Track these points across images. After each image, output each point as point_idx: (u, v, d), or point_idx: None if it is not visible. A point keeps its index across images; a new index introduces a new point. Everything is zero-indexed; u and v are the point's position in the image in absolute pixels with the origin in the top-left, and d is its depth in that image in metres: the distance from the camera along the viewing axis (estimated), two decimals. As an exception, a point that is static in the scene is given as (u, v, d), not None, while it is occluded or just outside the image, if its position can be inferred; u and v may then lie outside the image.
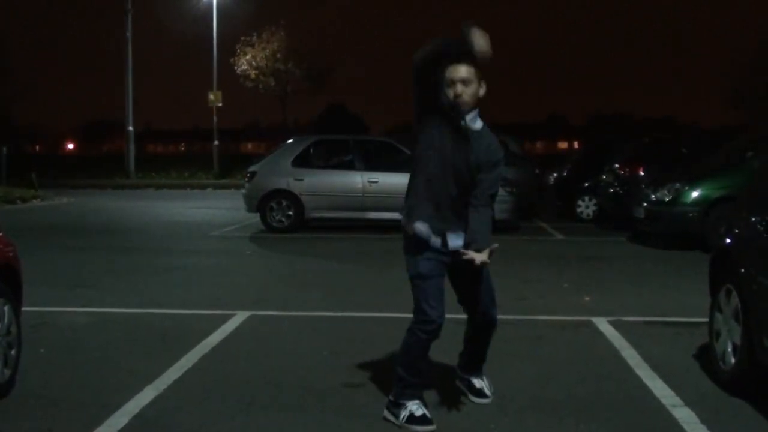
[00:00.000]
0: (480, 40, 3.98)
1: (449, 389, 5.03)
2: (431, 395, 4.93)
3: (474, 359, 4.86)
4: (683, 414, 4.61)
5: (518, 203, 14.50)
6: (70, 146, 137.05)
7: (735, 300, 5.03)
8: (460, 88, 4.27)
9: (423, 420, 4.35)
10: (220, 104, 38.23)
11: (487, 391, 4.81)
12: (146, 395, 4.92)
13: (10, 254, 5.18)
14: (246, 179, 15.03)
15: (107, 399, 4.83)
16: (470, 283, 4.54)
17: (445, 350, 5.95)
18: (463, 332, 4.86)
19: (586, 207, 17.25)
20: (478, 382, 4.84)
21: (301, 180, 14.35)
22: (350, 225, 14.45)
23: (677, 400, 4.84)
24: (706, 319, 5.62)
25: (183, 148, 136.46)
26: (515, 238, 13.59)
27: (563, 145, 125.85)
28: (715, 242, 5.70)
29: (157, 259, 11.05)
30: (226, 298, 8.07)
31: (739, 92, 53.34)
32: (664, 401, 4.85)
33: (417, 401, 4.43)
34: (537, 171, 19.81)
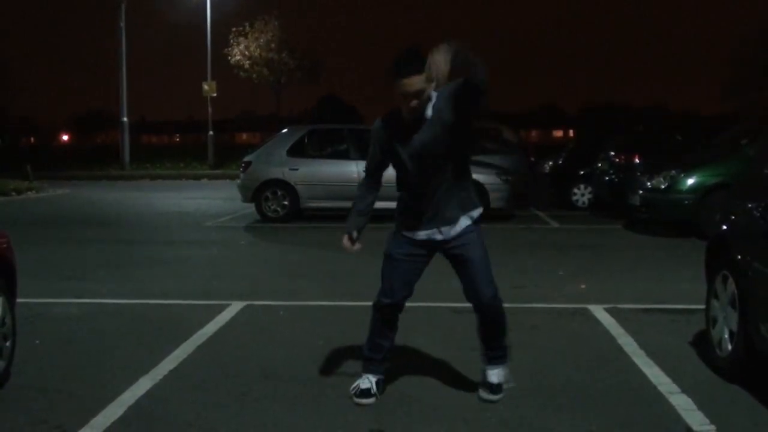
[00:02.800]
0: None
1: (446, 377, 5.04)
2: (430, 384, 4.93)
3: (485, 349, 4.73)
4: (680, 401, 4.61)
5: (513, 191, 14.50)
6: (65, 138, 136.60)
7: (731, 287, 5.02)
8: (415, 102, 4.30)
9: (363, 393, 4.64)
10: (215, 95, 38.09)
11: (497, 386, 4.64)
12: (142, 386, 4.91)
13: (5, 246, 5.15)
14: (241, 169, 15.01)
15: (103, 390, 4.82)
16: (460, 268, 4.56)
17: (442, 339, 5.95)
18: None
19: (581, 195, 17.26)
20: (491, 375, 4.68)
21: (296, 170, 14.34)
22: (345, 214, 14.40)
23: (674, 387, 4.84)
24: (703, 306, 5.62)
25: (178, 139, 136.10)
26: (510, 227, 13.60)
27: (558, 133, 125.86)
28: (711, 229, 5.70)
29: (151, 250, 11.03)
30: (221, 289, 8.05)
31: (734, 81, 53.40)
32: (660, 388, 4.85)
33: (370, 375, 4.70)
34: (532, 159, 19.81)
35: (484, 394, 4.67)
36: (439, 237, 4.48)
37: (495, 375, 4.68)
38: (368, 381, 4.67)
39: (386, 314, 4.64)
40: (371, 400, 4.61)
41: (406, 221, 4.56)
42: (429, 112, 4.38)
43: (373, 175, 4.69)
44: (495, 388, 4.65)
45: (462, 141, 4.43)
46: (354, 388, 4.68)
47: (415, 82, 4.24)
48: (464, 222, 4.47)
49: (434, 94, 4.39)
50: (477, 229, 4.53)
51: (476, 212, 4.52)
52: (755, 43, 51.56)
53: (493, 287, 4.52)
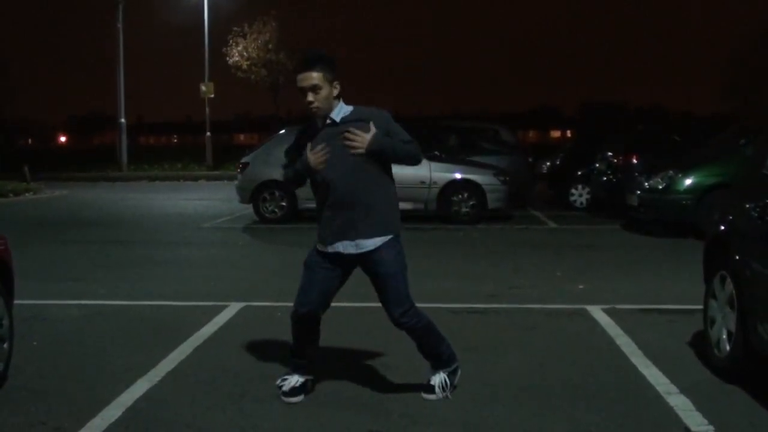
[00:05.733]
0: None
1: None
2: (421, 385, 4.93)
3: (425, 356, 4.76)
4: (678, 401, 4.61)
5: (511, 192, 14.50)
6: (62, 139, 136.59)
7: (729, 287, 5.02)
8: (311, 96, 4.36)
9: (292, 392, 4.66)
10: (213, 96, 38.09)
11: (437, 389, 4.65)
12: (139, 387, 4.91)
13: (2, 247, 5.15)
14: (239, 170, 15.00)
15: (100, 391, 4.82)
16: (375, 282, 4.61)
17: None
18: None
19: (579, 195, 17.25)
20: (432, 378, 4.70)
21: (294, 171, 14.29)
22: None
23: (672, 388, 4.84)
24: (701, 307, 5.62)
25: (175, 140, 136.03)
26: (508, 227, 13.59)
27: (556, 134, 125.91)
28: (709, 229, 5.69)
29: (149, 251, 11.02)
30: (218, 290, 8.04)
31: (732, 81, 53.44)
32: (659, 388, 4.85)
33: (297, 376, 4.71)
34: (530, 160, 19.82)
35: (422, 392, 4.70)
36: (345, 251, 4.49)
37: (432, 378, 4.69)
38: (296, 380, 4.70)
39: (304, 324, 4.64)
40: (300, 398, 4.66)
41: (321, 232, 4.56)
42: (338, 117, 4.43)
43: (289, 184, 4.82)
44: (428, 388, 4.68)
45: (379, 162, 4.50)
46: (282, 385, 4.70)
47: (312, 77, 4.35)
48: (375, 242, 4.46)
49: (347, 108, 4.46)
50: (395, 246, 4.51)
51: (390, 236, 4.49)
52: (755, 43, 51.58)
53: (401, 308, 4.49)
